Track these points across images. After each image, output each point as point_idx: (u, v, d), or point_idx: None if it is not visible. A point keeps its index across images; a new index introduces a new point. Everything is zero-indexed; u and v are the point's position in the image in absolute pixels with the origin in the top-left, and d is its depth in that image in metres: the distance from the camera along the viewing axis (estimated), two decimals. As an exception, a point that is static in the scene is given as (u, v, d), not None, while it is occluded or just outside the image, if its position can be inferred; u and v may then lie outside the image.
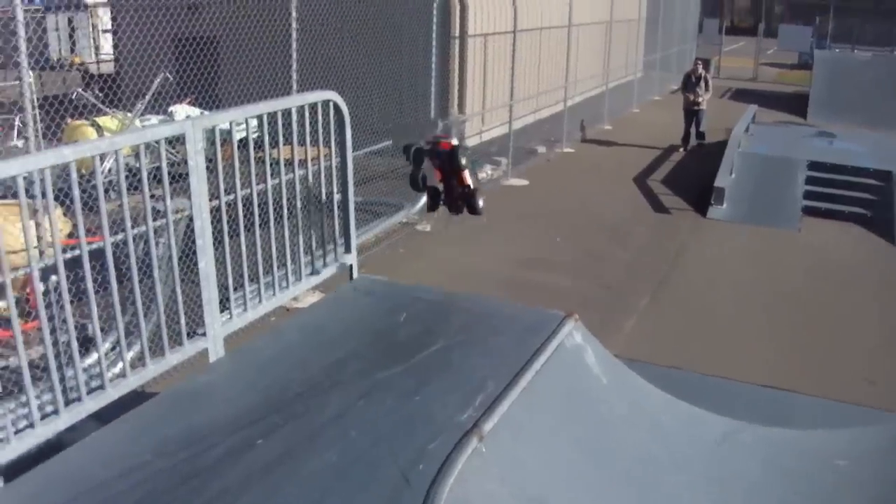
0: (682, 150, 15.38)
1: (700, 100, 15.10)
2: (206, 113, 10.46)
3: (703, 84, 15.09)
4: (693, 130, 15.46)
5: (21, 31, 5.61)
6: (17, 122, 14.68)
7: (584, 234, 9.97)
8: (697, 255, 9.43)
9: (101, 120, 10.41)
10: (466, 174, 4.78)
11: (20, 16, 5.66)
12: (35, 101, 6.23)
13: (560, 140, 15.07)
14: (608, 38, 18.18)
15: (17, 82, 5.64)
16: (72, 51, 33.07)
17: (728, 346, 6.87)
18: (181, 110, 10.62)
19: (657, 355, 6.35)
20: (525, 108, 14.44)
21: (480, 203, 4.86)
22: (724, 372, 6.16)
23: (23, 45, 5.67)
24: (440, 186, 4.90)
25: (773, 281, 8.54)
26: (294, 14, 6.76)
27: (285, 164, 4.25)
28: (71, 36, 33.74)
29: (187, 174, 3.59)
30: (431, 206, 5.08)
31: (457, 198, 4.85)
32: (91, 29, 29.67)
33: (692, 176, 13.05)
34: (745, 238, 10.13)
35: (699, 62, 15.88)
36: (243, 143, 4.27)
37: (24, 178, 2.97)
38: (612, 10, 18.00)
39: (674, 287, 8.33)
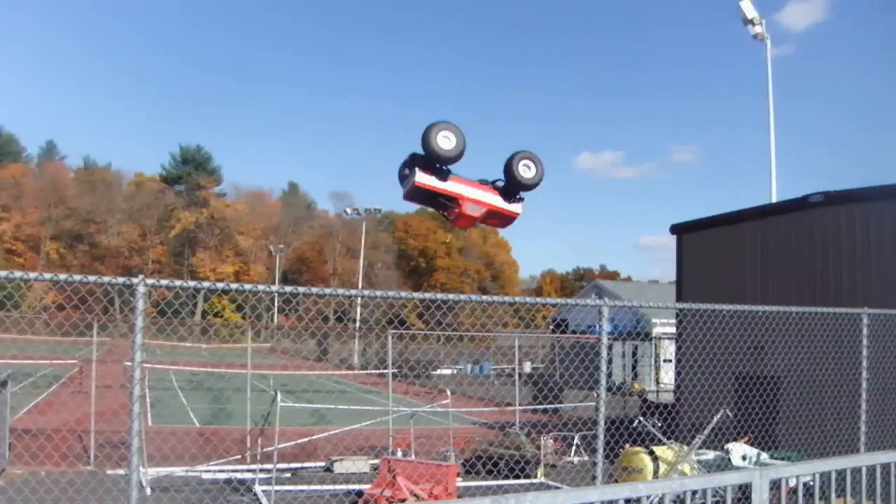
0: None
1: None
2: (765, 456, 10.51)
3: None
4: None
5: (603, 367, 6.64)
6: (575, 440, 16.38)
7: None
8: None
9: (658, 449, 11.07)
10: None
11: (604, 353, 6.72)
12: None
13: None
14: None
15: (581, 403, 6.57)
16: (633, 377, 36.30)
17: None
18: (737, 448, 10.78)
19: None
20: None
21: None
22: None
23: (603, 379, 6.66)
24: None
25: None
26: (865, 363, 6.69)
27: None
28: (634, 363, 37.24)
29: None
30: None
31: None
32: (654, 359, 32.45)
33: None
34: None
35: None
36: (797, 488, 4.33)
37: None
38: None
39: None
